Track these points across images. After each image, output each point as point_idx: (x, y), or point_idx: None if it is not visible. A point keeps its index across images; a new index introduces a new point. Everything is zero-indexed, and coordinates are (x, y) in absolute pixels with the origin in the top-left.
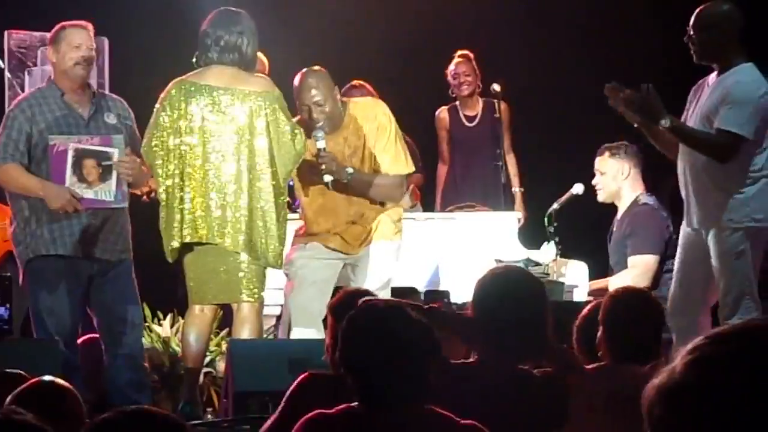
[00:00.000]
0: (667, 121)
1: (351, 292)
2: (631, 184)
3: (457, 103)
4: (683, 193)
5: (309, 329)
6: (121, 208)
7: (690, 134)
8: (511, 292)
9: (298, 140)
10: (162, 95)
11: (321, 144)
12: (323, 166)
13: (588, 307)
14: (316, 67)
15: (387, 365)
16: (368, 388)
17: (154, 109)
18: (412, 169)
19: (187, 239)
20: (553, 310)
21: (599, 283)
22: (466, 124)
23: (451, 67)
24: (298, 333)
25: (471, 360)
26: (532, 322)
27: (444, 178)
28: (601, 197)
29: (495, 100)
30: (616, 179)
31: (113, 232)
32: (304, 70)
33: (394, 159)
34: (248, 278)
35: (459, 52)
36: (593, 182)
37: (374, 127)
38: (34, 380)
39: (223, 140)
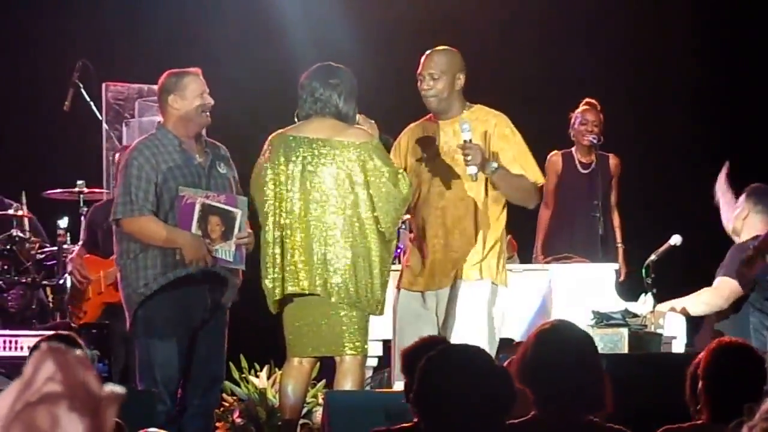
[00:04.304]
0: None
1: (426, 341)
2: (748, 228)
3: (573, 149)
4: None
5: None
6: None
7: None
8: (557, 348)
9: (403, 184)
10: (263, 148)
11: (467, 135)
12: (469, 157)
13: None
14: (448, 47)
15: (463, 406)
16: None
17: (256, 163)
18: (543, 180)
19: (289, 290)
20: (643, 362)
21: (677, 303)
22: (581, 170)
23: (579, 113)
24: (400, 386)
25: (528, 417)
26: (585, 376)
27: (547, 223)
28: (725, 228)
29: (608, 154)
30: (737, 218)
31: (227, 279)
32: (432, 50)
33: (529, 166)
34: (351, 331)
35: (587, 100)
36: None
37: (492, 133)
38: None
39: (323, 192)
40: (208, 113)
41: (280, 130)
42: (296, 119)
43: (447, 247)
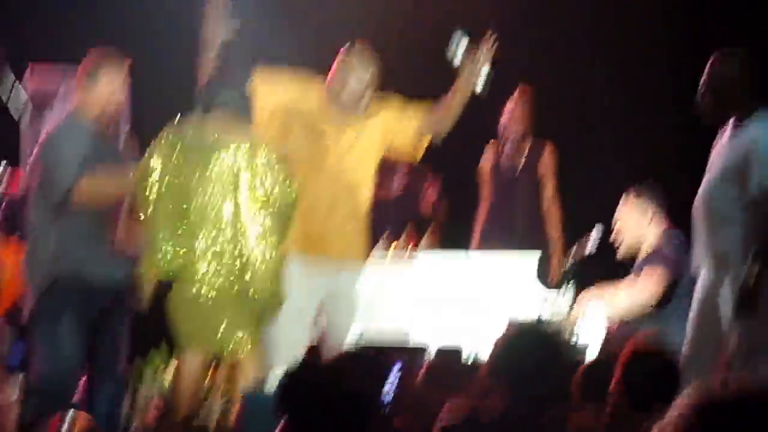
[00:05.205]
0: None
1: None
2: (654, 227)
3: (503, 140)
4: None
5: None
6: None
7: None
8: (524, 349)
9: (290, 186)
10: (155, 141)
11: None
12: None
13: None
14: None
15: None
16: None
17: (146, 152)
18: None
19: (179, 283)
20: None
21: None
22: (510, 162)
23: (507, 105)
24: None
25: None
26: (552, 371)
27: (482, 214)
28: (624, 250)
29: (543, 143)
30: (640, 225)
31: (126, 276)
32: (361, 47)
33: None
34: (238, 324)
35: (518, 91)
36: (612, 237)
37: (387, 117)
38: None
39: (210, 188)
40: (113, 109)
41: (173, 124)
42: (194, 114)
43: (332, 212)
